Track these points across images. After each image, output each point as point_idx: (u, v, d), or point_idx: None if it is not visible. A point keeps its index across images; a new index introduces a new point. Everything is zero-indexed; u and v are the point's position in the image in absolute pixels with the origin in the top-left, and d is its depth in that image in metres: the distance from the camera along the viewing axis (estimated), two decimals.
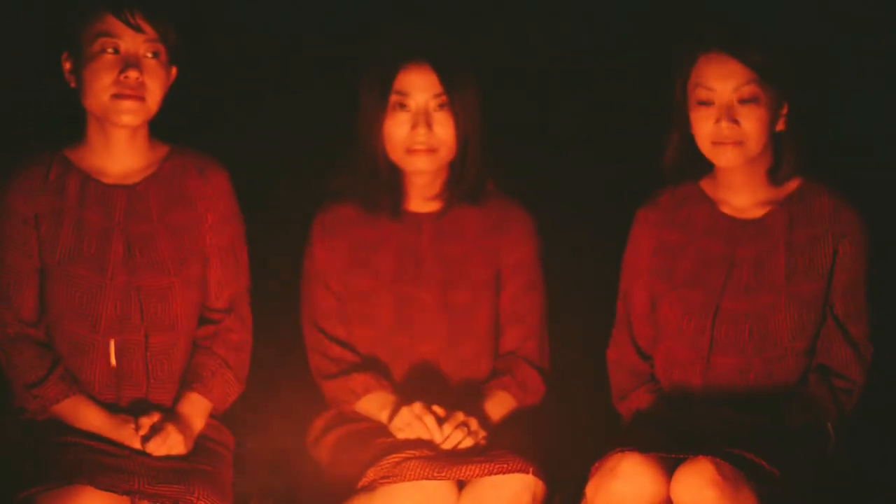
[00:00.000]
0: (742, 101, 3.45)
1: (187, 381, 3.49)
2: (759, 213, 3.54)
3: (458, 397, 3.56)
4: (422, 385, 3.59)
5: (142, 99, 3.42)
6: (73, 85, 3.46)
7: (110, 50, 3.41)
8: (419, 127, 3.56)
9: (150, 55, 3.42)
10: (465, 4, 4.19)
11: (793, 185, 3.54)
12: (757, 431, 3.39)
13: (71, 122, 3.52)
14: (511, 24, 4.22)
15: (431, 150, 3.57)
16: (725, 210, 3.55)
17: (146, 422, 3.38)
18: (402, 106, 3.57)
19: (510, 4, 4.23)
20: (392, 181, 3.61)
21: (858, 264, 3.50)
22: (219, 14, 4.09)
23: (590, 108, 4.21)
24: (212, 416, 3.51)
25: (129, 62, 3.40)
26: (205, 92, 3.82)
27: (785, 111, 3.50)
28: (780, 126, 3.50)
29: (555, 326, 3.71)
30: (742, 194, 3.55)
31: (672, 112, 3.54)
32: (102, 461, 3.29)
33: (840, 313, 3.49)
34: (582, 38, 4.22)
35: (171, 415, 3.43)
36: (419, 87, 3.57)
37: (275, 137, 4.11)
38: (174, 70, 3.49)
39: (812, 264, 3.50)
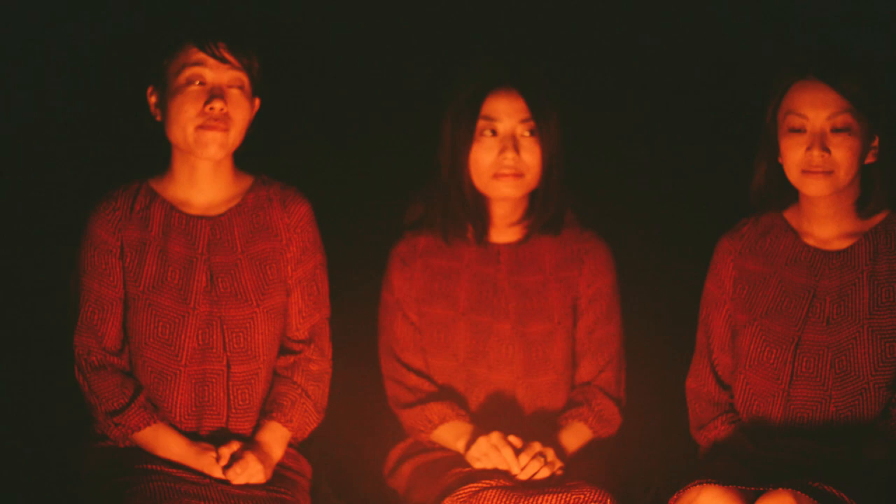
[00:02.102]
0: (835, 131, 3.43)
1: (267, 411, 3.53)
2: (842, 244, 3.51)
3: (535, 428, 3.57)
4: (498, 415, 3.60)
5: (226, 130, 3.46)
6: (158, 118, 3.52)
7: (196, 82, 3.46)
8: (507, 151, 3.58)
9: (234, 87, 3.47)
10: (552, 31, 4.21)
11: (878, 217, 3.51)
12: (837, 464, 3.36)
13: (157, 154, 3.57)
14: (596, 50, 4.24)
15: (518, 175, 3.59)
16: (809, 241, 3.53)
17: (226, 452, 3.42)
18: (490, 131, 3.59)
19: (592, 30, 4.25)
20: (477, 209, 3.63)
21: None
22: (301, 44, 4.14)
23: (673, 134, 4.21)
24: (290, 445, 3.54)
25: (214, 94, 3.45)
26: (287, 122, 3.87)
27: (876, 143, 3.47)
28: (869, 158, 3.48)
29: (633, 356, 3.70)
30: (826, 225, 3.52)
31: (761, 139, 3.53)
32: (183, 489, 3.33)
33: None
34: (669, 64, 4.22)
35: (250, 443, 3.46)
36: (507, 113, 3.59)
37: (356, 168, 4.15)
38: (258, 101, 3.54)
39: None
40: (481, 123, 3.59)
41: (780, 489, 3.23)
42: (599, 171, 4.09)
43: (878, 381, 3.46)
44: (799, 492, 3.21)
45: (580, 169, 3.70)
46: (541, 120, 3.58)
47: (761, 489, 3.26)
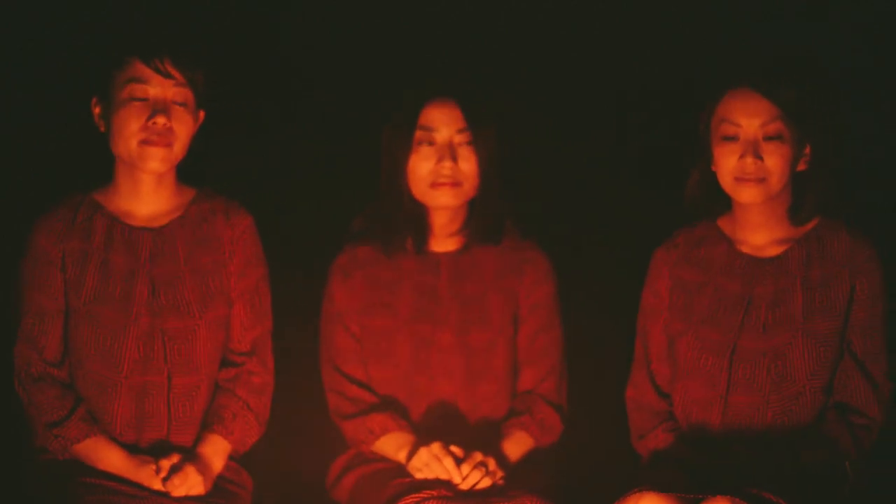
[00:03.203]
0: (767, 139, 3.48)
1: (208, 423, 3.52)
2: (776, 251, 3.55)
3: (477, 437, 3.57)
4: (440, 425, 3.61)
5: (169, 145, 3.47)
6: (102, 129, 3.52)
7: (139, 96, 3.46)
8: (444, 160, 3.59)
9: (178, 102, 3.48)
10: (492, 42, 4.23)
11: (810, 223, 3.56)
12: (775, 470, 3.39)
13: (100, 165, 3.56)
14: (534, 59, 4.27)
15: (456, 184, 3.60)
16: (743, 249, 3.57)
17: (166, 464, 3.41)
18: (428, 141, 3.61)
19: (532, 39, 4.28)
20: (416, 218, 3.64)
21: (876, 302, 3.51)
22: (248, 57, 4.14)
23: (611, 146, 4.24)
24: (231, 457, 3.53)
25: (157, 108, 3.45)
26: (229, 134, 3.87)
27: (807, 151, 3.52)
28: (801, 166, 3.52)
29: (573, 365, 3.72)
30: (760, 233, 3.57)
31: (695, 147, 3.57)
32: (121, 502, 3.32)
33: (858, 351, 3.50)
34: (609, 75, 4.25)
35: (190, 456, 3.46)
36: (444, 122, 3.60)
37: (298, 181, 4.15)
38: (202, 114, 3.54)
39: (829, 302, 3.51)
40: (419, 134, 3.61)
41: (719, 496, 3.26)
42: (539, 180, 4.11)
43: (813, 386, 3.50)
44: (737, 499, 3.24)
45: (521, 177, 3.73)
46: (478, 129, 3.60)
47: (700, 496, 3.29)
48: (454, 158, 3.60)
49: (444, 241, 3.68)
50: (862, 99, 4.08)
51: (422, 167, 3.61)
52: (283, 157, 4.14)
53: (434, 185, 3.60)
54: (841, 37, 4.14)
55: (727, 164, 3.50)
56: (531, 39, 4.22)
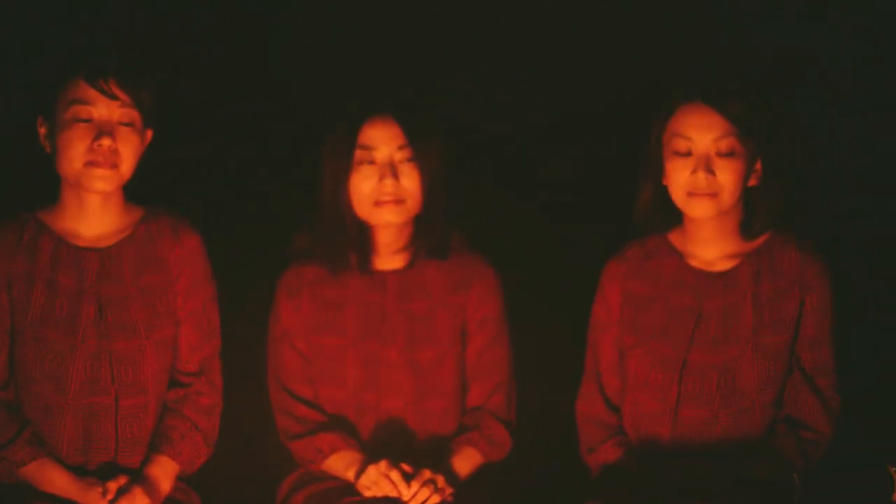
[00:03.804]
0: (720, 154, 3.48)
1: (156, 444, 3.51)
2: (726, 265, 3.56)
3: (426, 454, 3.57)
4: (389, 442, 3.60)
5: (115, 166, 3.45)
6: (47, 150, 3.49)
7: (83, 117, 3.44)
8: (386, 178, 3.57)
9: (123, 123, 3.45)
10: (440, 58, 4.24)
11: (761, 238, 3.57)
12: (724, 484, 3.41)
13: (46, 184, 3.55)
14: (478, 79, 4.27)
15: (399, 202, 3.59)
16: (693, 263, 3.58)
17: (113, 486, 3.40)
18: (368, 160, 3.59)
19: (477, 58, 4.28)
20: (359, 238, 3.63)
21: (825, 317, 3.52)
22: (193, 76, 4.13)
23: (559, 160, 4.24)
24: (179, 478, 3.52)
25: (103, 130, 3.43)
26: (175, 153, 3.86)
27: (759, 166, 3.53)
28: (752, 181, 3.53)
29: (522, 379, 3.71)
30: (710, 247, 3.57)
31: (646, 161, 3.57)
32: None
33: (807, 365, 3.52)
34: (557, 93, 4.26)
35: (138, 477, 3.45)
36: (384, 140, 3.59)
37: (245, 199, 4.15)
38: (149, 133, 3.53)
39: (779, 316, 3.52)
40: (359, 153, 3.59)
41: None
42: (486, 195, 4.12)
43: (762, 400, 3.52)
44: None
45: (468, 192, 3.73)
46: (418, 145, 3.58)
47: None
48: (396, 176, 3.58)
49: (389, 259, 3.67)
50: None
51: (364, 186, 3.59)
52: (230, 173, 4.14)
53: (377, 203, 3.59)
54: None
55: (679, 178, 3.51)
56: (471, 52, 4.23)
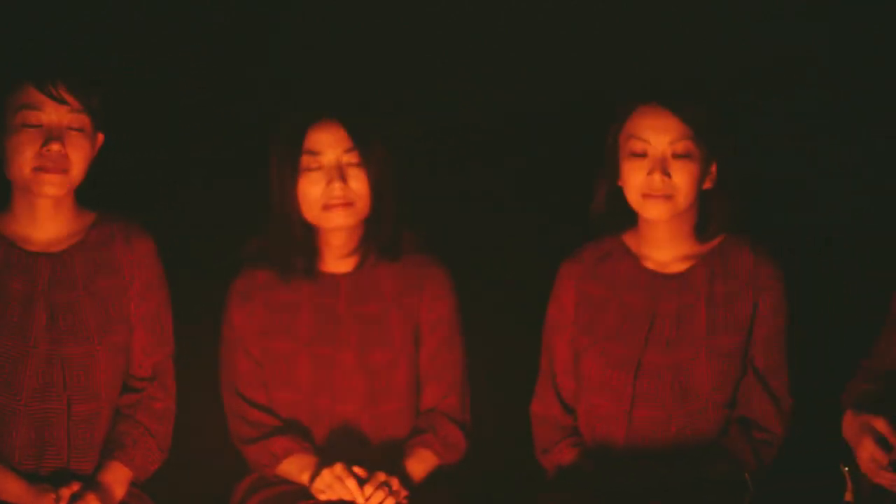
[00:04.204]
0: (676, 156, 3.49)
1: (109, 450, 3.49)
2: (680, 267, 3.57)
3: (380, 457, 3.57)
4: (343, 446, 3.60)
5: (65, 171, 3.42)
6: None
7: (32, 122, 3.41)
8: (334, 182, 3.56)
9: (73, 127, 3.43)
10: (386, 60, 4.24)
11: (715, 240, 3.58)
12: (678, 484, 3.42)
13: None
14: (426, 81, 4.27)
15: (348, 204, 3.57)
16: (648, 265, 3.59)
17: (66, 493, 3.38)
18: (315, 165, 3.58)
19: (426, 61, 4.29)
20: (307, 242, 3.62)
21: (778, 318, 3.54)
22: (144, 79, 4.12)
23: (515, 161, 4.25)
24: (133, 484, 3.51)
25: (52, 135, 3.41)
26: (129, 155, 3.85)
27: (714, 169, 3.54)
28: (707, 184, 3.54)
29: (477, 380, 3.72)
30: (665, 249, 3.58)
31: (602, 163, 3.58)
32: None
33: (760, 366, 3.54)
34: (509, 93, 4.27)
35: (91, 484, 3.43)
36: (330, 144, 3.57)
37: (198, 203, 4.14)
38: (100, 136, 3.50)
39: (732, 318, 3.54)
40: (305, 158, 3.58)
41: None
42: (439, 195, 4.12)
43: (716, 400, 3.53)
44: None
45: (419, 193, 3.73)
46: (365, 148, 3.57)
47: None
48: (344, 179, 3.57)
49: (341, 262, 3.66)
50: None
51: (312, 191, 3.58)
52: (183, 176, 4.13)
53: (326, 207, 3.58)
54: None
55: (635, 180, 3.51)
56: (415, 54, 4.23)
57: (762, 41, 4.15)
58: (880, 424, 3.24)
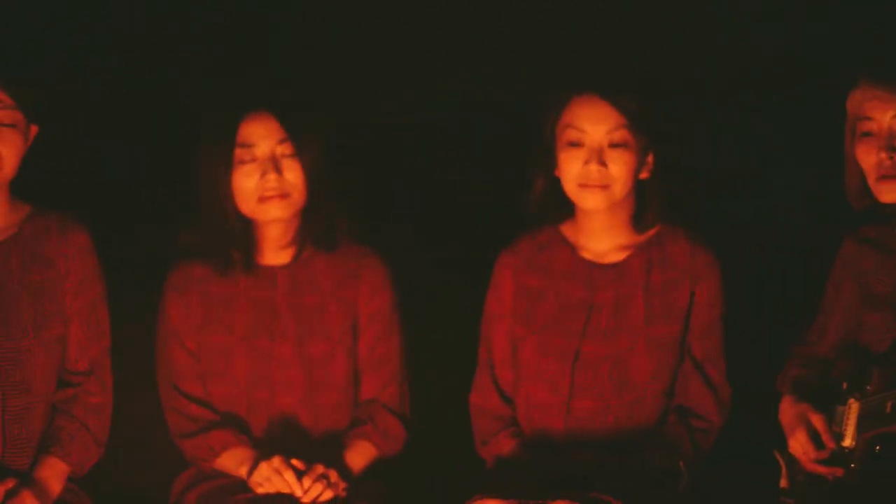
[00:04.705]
0: (612, 146, 3.50)
1: (45, 445, 3.46)
2: (618, 257, 3.58)
3: (319, 449, 3.57)
4: (282, 438, 3.59)
5: None
6: None
7: None
8: (269, 174, 3.55)
9: (5, 123, 3.40)
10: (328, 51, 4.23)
11: (652, 230, 3.60)
12: (616, 473, 3.43)
13: None
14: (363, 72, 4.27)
15: (284, 196, 3.56)
16: (585, 255, 3.60)
17: (0, 489, 3.35)
18: (249, 157, 3.56)
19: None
20: (243, 235, 3.60)
21: (714, 307, 3.56)
22: (80, 66, 4.09)
23: (452, 151, 4.26)
24: (70, 479, 3.49)
25: None
26: (65, 147, 3.83)
27: (650, 159, 3.55)
28: (643, 174, 3.55)
29: (416, 371, 3.72)
30: (602, 239, 3.59)
31: (539, 152, 3.58)
32: None
33: (698, 355, 3.56)
34: (449, 85, 4.27)
35: (27, 479, 3.41)
36: (263, 136, 3.56)
37: (136, 193, 4.12)
38: (34, 129, 3.47)
39: (669, 307, 3.55)
40: (239, 151, 3.56)
41: (558, 501, 3.29)
42: (377, 184, 4.12)
43: (654, 390, 3.55)
44: (576, 502, 3.28)
45: (358, 181, 3.72)
46: (299, 139, 3.56)
47: (541, 501, 3.32)
48: (278, 170, 3.56)
49: (278, 254, 3.65)
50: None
51: (247, 183, 3.56)
52: (118, 169, 4.11)
53: (261, 199, 3.56)
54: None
55: (571, 169, 3.52)
56: (352, 44, 4.23)
57: (714, 38, 4.18)
58: (817, 421, 3.27)
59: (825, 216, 3.97)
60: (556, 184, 3.56)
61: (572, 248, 3.61)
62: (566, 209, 3.60)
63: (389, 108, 4.25)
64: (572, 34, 4.22)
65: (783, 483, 3.38)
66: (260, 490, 3.46)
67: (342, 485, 3.48)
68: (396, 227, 3.99)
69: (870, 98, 3.29)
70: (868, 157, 3.30)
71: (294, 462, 3.47)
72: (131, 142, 3.95)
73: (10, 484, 3.38)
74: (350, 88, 4.23)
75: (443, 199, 4.22)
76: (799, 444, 3.29)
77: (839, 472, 3.23)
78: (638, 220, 3.58)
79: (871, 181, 3.32)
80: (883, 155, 3.26)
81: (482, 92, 4.25)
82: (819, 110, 4.05)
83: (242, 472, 3.51)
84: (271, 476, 3.45)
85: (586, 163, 3.49)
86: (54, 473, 3.45)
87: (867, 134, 3.31)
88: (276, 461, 3.46)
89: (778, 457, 3.38)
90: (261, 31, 4.24)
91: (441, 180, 4.23)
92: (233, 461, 3.55)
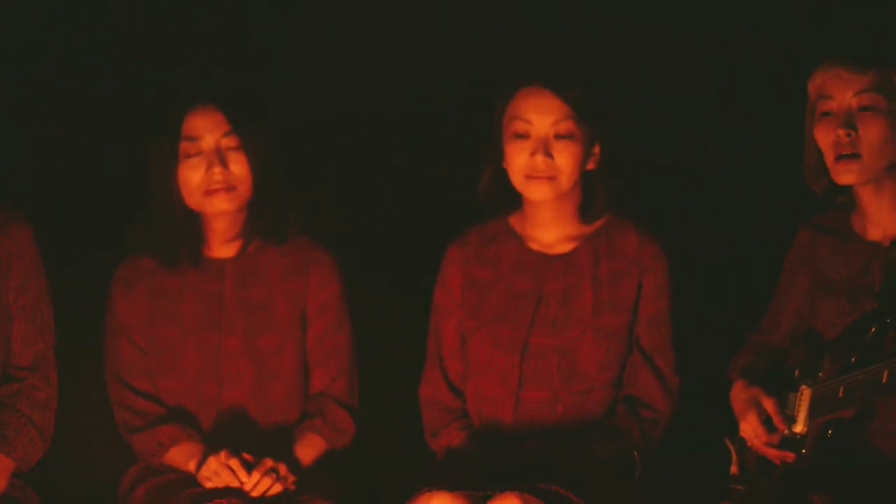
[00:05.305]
0: (558, 137, 3.50)
1: None
2: (566, 248, 3.59)
3: (269, 442, 3.55)
4: (231, 432, 3.58)
5: None
6: None
7: None
8: (214, 167, 3.54)
9: None
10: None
11: (599, 221, 3.60)
12: (565, 464, 3.43)
13: None
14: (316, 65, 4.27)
15: (230, 189, 3.55)
16: (533, 246, 3.60)
17: None
18: (195, 150, 3.55)
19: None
20: (189, 228, 3.59)
21: (662, 297, 3.57)
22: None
23: (401, 145, 4.25)
24: (16, 475, 3.45)
25: None
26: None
27: (597, 150, 3.56)
28: (590, 164, 3.55)
29: (365, 364, 3.71)
30: (550, 230, 3.60)
31: (487, 145, 3.57)
32: None
33: (646, 345, 3.56)
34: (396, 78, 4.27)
35: None
36: (208, 129, 3.55)
37: (79, 187, 4.09)
38: None
39: (617, 297, 3.56)
40: (184, 144, 3.55)
41: (507, 492, 3.29)
42: (326, 177, 4.11)
43: (603, 380, 3.55)
44: (525, 493, 3.27)
45: (307, 174, 3.71)
46: (244, 131, 3.55)
47: (489, 493, 3.31)
48: (224, 164, 3.54)
49: (225, 247, 3.63)
50: None
51: (192, 177, 3.55)
52: (62, 162, 4.08)
53: (207, 192, 3.55)
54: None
55: (518, 161, 3.52)
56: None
57: (659, 25, 4.19)
58: (769, 405, 3.28)
59: (775, 205, 4.01)
60: (503, 175, 3.56)
61: (520, 240, 3.61)
62: (514, 201, 3.61)
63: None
64: (518, 26, 4.22)
65: (733, 470, 3.39)
66: (208, 484, 3.44)
67: (291, 478, 3.47)
68: (345, 219, 3.98)
69: (832, 77, 3.30)
70: (826, 137, 3.31)
71: (243, 456, 3.45)
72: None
73: None
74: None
75: (393, 190, 4.21)
76: (750, 427, 3.30)
77: (790, 457, 3.25)
78: (585, 211, 3.58)
79: (828, 162, 3.32)
80: (841, 132, 3.27)
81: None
82: (768, 97, 4.10)
83: (191, 466, 3.50)
84: (220, 470, 3.44)
85: (532, 154, 3.50)
86: None
87: (827, 114, 3.31)
88: (225, 455, 3.45)
89: (728, 444, 3.39)
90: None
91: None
92: (181, 456, 3.53)
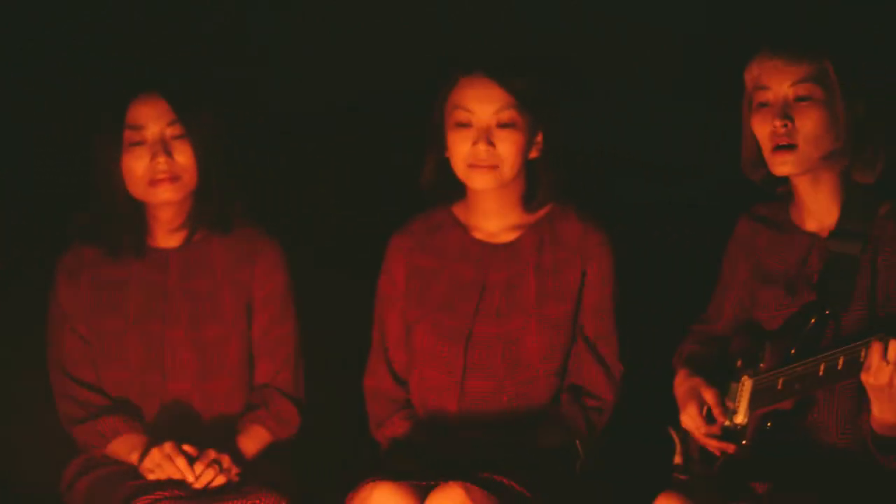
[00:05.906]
0: (500, 126, 3.50)
1: None
2: (509, 237, 3.59)
3: (213, 434, 3.54)
4: (175, 424, 3.56)
5: None
6: None
7: None
8: (158, 156, 3.52)
9: None
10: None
11: (543, 210, 3.60)
12: (508, 453, 3.44)
13: None
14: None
15: (174, 178, 3.53)
16: (477, 235, 3.60)
17: None
18: (138, 139, 3.53)
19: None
20: (133, 218, 3.57)
21: (606, 285, 3.58)
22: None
23: (351, 134, 4.24)
24: None
25: None
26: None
27: (540, 139, 3.56)
28: (533, 153, 3.56)
29: (310, 355, 3.70)
30: (493, 219, 3.60)
31: (430, 134, 3.57)
32: None
33: (590, 334, 3.57)
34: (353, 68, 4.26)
35: None
36: (152, 118, 3.53)
37: (22, 175, 4.07)
38: None
39: (561, 286, 3.56)
40: (128, 133, 3.53)
41: (451, 482, 3.29)
42: (272, 167, 4.10)
43: (547, 369, 3.56)
44: (469, 483, 3.27)
45: (253, 164, 3.69)
46: (189, 121, 3.53)
47: (433, 483, 3.31)
48: (168, 153, 3.53)
49: (170, 237, 3.62)
50: None
51: (136, 166, 3.53)
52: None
53: (152, 182, 3.53)
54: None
55: (460, 150, 3.52)
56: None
57: (606, 16, 4.19)
58: (709, 396, 3.29)
59: (722, 195, 4.02)
60: (446, 165, 3.56)
61: (464, 229, 3.61)
62: (458, 190, 3.61)
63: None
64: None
65: (677, 459, 3.41)
66: (151, 476, 3.43)
67: (235, 470, 3.45)
68: (291, 209, 3.97)
69: (768, 68, 3.30)
70: (763, 127, 3.30)
71: (186, 448, 3.44)
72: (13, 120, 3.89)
73: None
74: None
75: (337, 181, 4.20)
76: (690, 419, 3.31)
77: (730, 448, 3.26)
78: (528, 200, 3.59)
79: (766, 153, 3.32)
80: (777, 123, 3.27)
81: (372, 84, 4.24)
82: (716, 87, 4.10)
83: (134, 458, 3.48)
84: (162, 462, 3.42)
85: (474, 143, 3.50)
86: None
87: (764, 104, 3.31)
88: (168, 447, 3.43)
89: (672, 433, 3.41)
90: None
91: (335, 162, 4.21)
92: (124, 447, 3.51)
